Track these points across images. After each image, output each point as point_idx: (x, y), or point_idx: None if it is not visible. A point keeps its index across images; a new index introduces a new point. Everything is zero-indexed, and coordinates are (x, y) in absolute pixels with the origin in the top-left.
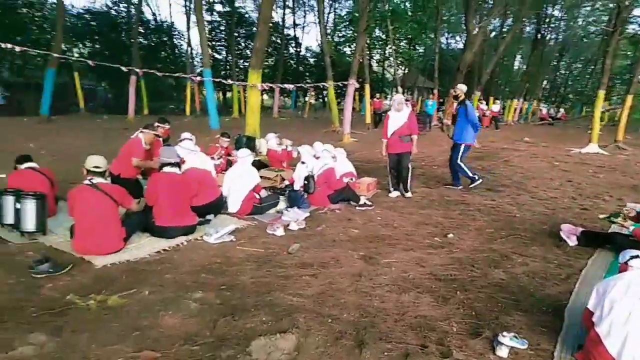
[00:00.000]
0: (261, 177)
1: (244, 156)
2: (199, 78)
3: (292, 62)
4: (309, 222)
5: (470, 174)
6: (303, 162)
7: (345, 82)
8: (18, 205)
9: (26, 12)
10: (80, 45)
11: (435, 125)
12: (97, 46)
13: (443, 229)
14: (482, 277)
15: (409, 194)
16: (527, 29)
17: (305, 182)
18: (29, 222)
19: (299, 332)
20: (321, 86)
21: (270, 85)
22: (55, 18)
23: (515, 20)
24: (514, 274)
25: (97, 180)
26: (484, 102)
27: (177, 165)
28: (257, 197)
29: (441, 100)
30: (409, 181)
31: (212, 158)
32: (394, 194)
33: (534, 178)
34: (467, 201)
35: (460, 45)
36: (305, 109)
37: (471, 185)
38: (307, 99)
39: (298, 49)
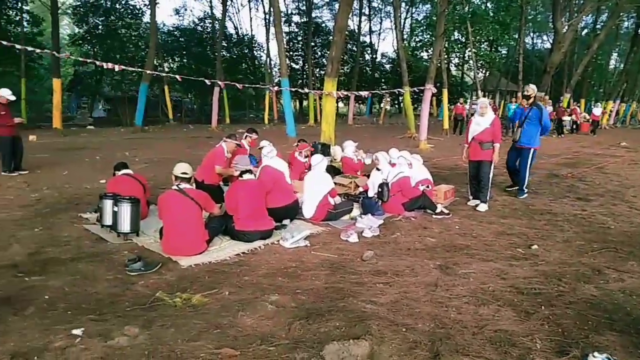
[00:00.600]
0: (335, 183)
1: (318, 162)
2: (277, 88)
3: (367, 69)
4: (383, 229)
5: (527, 183)
6: (378, 169)
7: (422, 88)
8: (115, 209)
9: (124, 32)
10: (170, 60)
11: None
12: (184, 60)
13: (527, 240)
14: (570, 292)
15: (482, 207)
16: (625, 24)
17: (380, 189)
18: (125, 224)
19: (373, 339)
20: (397, 92)
21: (346, 92)
22: (149, 37)
23: (611, 15)
24: (607, 291)
25: (184, 185)
26: (577, 105)
27: (251, 172)
28: (332, 203)
29: None
30: (487, 192)
31: (300, 153)
32: (473, 202)
33: (633, 187)
34: (554, 210)
35: (548, 45)
36: (381, 116)
37: (510, 189)
38: (382, 105)
39: (374, 56)
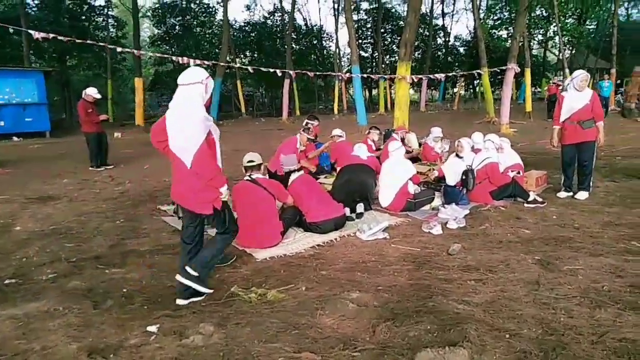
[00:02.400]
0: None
1: (395, 149)
2: (347, 75)
3: (440, 53)
4: (469, 220)
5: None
6: (459, 156)
7: (503, 68)
8: None
9: (199, 31)
10: (242, 55)
11: (613, 110)
12: (255, 55)
13: None
14: None
15: (583, 194)
16: None
17: (464, 177)
18: None
19: (472, 346)
20: (475, 74)
21: (420, 76)
22: (222, 33)
23: None
24: None
25: (256, 175)
26: None
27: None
28: (411, 191)
29: (618, 81)
30: (591, 178)
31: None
32: (564, 194)
33: None
34: None
35: None
36: (455, 101)
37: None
38: (456, 90)
39: (447, 39)
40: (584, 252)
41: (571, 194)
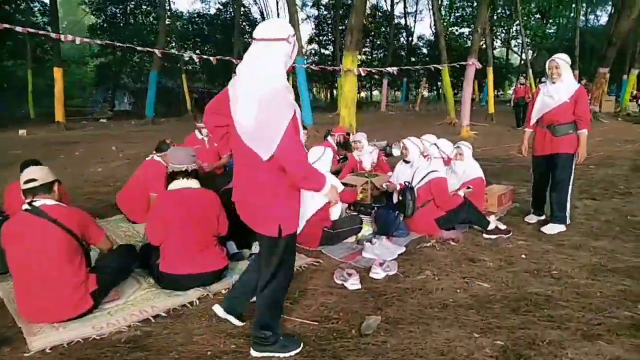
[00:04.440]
0: (344, 184)
1: (318, 157)
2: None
3: (403, 52)
4: (404, 263)
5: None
6: (406, 161)
7: (463, 63)
8: None
9: (142, 20)
10: (191, 49)
11: None
12: (206, 48)
13: None
14: None
15: (555, 228)
16: None
17: (400, 197)
18: None
19: None
20: (432, 69)
21: (369, 69)
22: (170, 25)
23: None
24: None
25: (42, 202)
26: None
27: (193, 174)
28: (333, 217)
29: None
30: (566, 205)
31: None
32: (532, 218)
33: None
34: None
35: (603, 21)
36: (417, 102)
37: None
38: (419, 90)
39: (410, 38)
40: (572, 330)
41: (543, 217)
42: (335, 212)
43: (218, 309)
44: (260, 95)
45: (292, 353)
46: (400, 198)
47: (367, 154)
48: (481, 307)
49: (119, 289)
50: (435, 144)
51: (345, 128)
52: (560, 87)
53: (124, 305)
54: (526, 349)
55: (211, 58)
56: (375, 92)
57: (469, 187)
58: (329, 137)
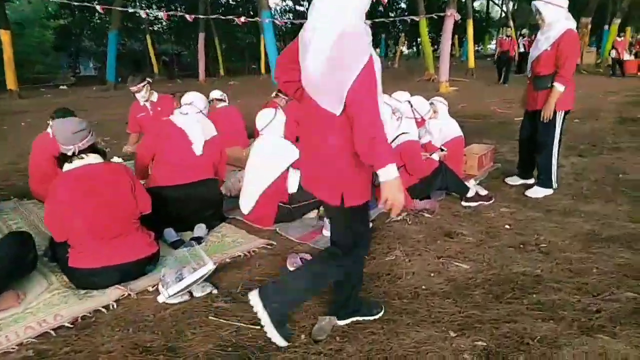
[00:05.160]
0: None
1: (267, 123)
2: (244, 19)
3: (380, 6)
4: (370, 241)
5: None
6: None
7: (442, 14)
8: None
9: None
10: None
11: None
12: (172, 6)
13: None
14: None
15: (539, 191)
16: None
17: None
18: None
19: None
20: (409, 20)
21: None
22: None
23: None
24: None
25: None
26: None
27: (94, 150)
28: (290, 189)
29: None
30: (551, 169)
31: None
32: (515, 181)
33: None
34: None
35: None
36: (396, 59)
37: (513, 181)
38: (397, 47)
39: None
40: (568, 321)
41: (529, 181)
42: (293, 184)
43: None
44: (334, 36)
45: (378, 316)
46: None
47: None
48: (459, 294)
49: (23, 290)
50: (408, 102)
51: None
52: (549, 34)
53: (21, 315)
54: (513, 350)
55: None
56: None
57: (442, 149)
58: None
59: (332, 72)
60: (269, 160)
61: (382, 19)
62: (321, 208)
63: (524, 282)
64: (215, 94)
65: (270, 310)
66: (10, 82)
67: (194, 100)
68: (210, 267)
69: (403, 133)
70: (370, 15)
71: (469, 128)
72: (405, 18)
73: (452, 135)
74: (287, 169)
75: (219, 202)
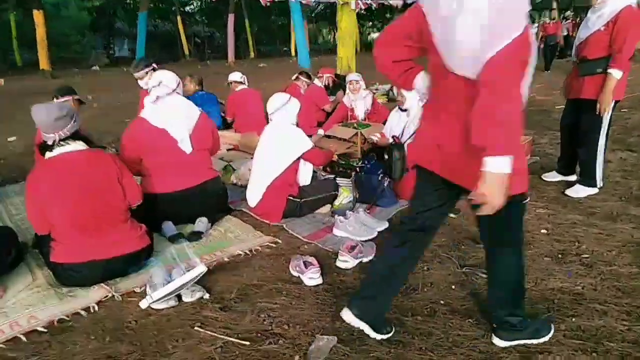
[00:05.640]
0: (329, 137)
1: (277, 108)
2: None
3: None
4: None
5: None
6: (403, 109)
7: None
8: None
9: None
10: None
11: None
12: None
13: None
14: None
15: (581, 191)
16: None
17: (387, 155)
18: None
19: None
20: None
21: (369, 1)
22: None
23: None
24: None
25: None
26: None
27: (78, 137)
28: (302, 181)
29: None
30: (595, 165)
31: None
32: (554, 177)
33: None
34: None
35: None
36: None
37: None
38: None
39: None
40: (615, 355)
41: (570, 178)
42: (305, 175)
43: (347, 314)
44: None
45: (546, 338)
46: (387, 157)
47: (360, 99)
48: (483, 314)
49: (4, 285)
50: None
51: (333, 69)
52: (603, 11)
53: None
54: None
55: None
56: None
57: None
58: (315, 80)
59: (480, 34)
60: (278, 149)
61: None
62: (335, 203)
63: (561, 301)
64: (235, 76)
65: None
66: (43, 62)
67: (162, 79)
68: (200, 270)
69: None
70: None
71: None
72: None
73: None
74: (298, 160)
75: (222, 197)
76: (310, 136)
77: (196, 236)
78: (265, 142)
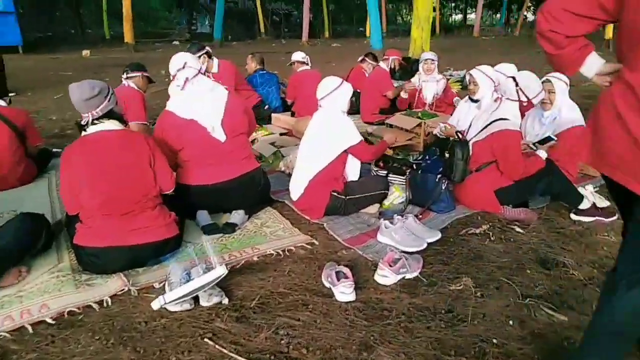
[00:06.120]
0: (390, 126)
1: (327, 93)
2: None
3: None
4: (433, 257)
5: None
6: (474, 100)
7: None
8: None
9: None
10: None
11: None
12: None
13: None
14: None
15: None
16: None
17: (448, 153)
18: None
19: None
20: None
21: None
22: None
23: None
24: None
25: None
26: None
27: (113, 116)
28: (351, 176)
29: None
30: None
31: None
32: None
33: None
34: None
35: None
36: (517, 26)
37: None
38: (521, 12)
39: None
40: None
41: None
42: (354, 170)
43: None
44: None
45: None
46: (447, 155)
47: (432, 80)
48: None
49: (29, 266)
50: (512, 78)
51: (400, 52)
52: None
53: (8, 300)
54: None
55: None
56: (472, 16)
57: (551, 138)
58: (381, 62)
59: None
60: (323, 140)
61: None
62: (385, 202)
63: None
64: (297, 55)
65: None
66: (128, 36)
67: (186, 60)
68: (219, 272)
69: (500, 119)
70: None
71: (587, 110)
72: None
73: (569, 125)
74: (346, 152)
75: (263, 190)
76: (372, 123)
77: (230, 228)
78: (311, 131)
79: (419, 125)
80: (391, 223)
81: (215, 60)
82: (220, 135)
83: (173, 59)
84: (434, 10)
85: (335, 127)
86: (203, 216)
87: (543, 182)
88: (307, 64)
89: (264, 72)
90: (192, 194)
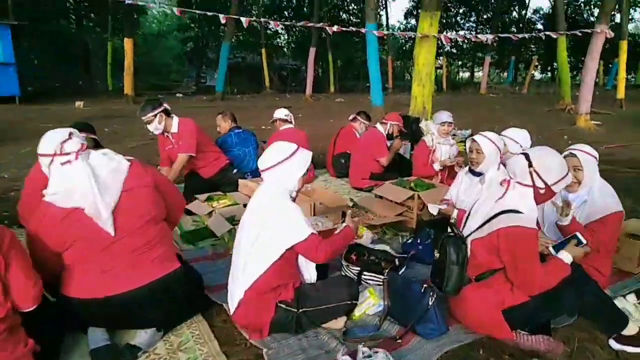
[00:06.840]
0: (379, 198)
1: (273, 163)
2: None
3: (513, 28)
4: None
5: None
6: (475, 173)
7: (587, 31)
8: None
9: None
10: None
11: None
12: (294, 20)
13: None
14: None
15: None
16: None
17: (438, 253)
18: None
19: None
20: (542, 36)
21: (451, 35)
22: None
23: None
24: None
25: None
26: None
27: None
28: (307, 276)
29: None
30: None
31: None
32: None
33: None
34: None
35: None
36: (525, 84)
37: None
38: (529, 71)
39: (523, 12)
40: None
41: None
42: (309, 267)
43: None
44: None
45: None
46: (438, 254)
47: (447, 143)
48: None
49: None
50: (524, 156)
51: (401, 118)
52: None
53: None
54: None
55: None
56: (479, 74)
57: (576, 239)
58: (378, 124)
59: None
60: (263, 232)
61: (506, 34)
62: (355, 312)
63: None
64: (279, 113)
65: None
66: (128, 88)
67: (70, 130)
68: None
69: (509, 211)
70: (502, 39)
71: (619, 184)
72: (541, 35)
73: (602, 212)
74: (293, 249)
75: (188, 294)
76: (362, 189)
77: (130, 354)
78: (247, 219)
79: (411, 197)
80: (361, 355)
81: (175, 119)
82: (109, 227)
83: (46, 136)
84: (441, 67)
85: (276, 217)
86: (95, 336)
87: (569, 296)
88: (290, 122)
89: (240, 130)
90: (77, 310)
